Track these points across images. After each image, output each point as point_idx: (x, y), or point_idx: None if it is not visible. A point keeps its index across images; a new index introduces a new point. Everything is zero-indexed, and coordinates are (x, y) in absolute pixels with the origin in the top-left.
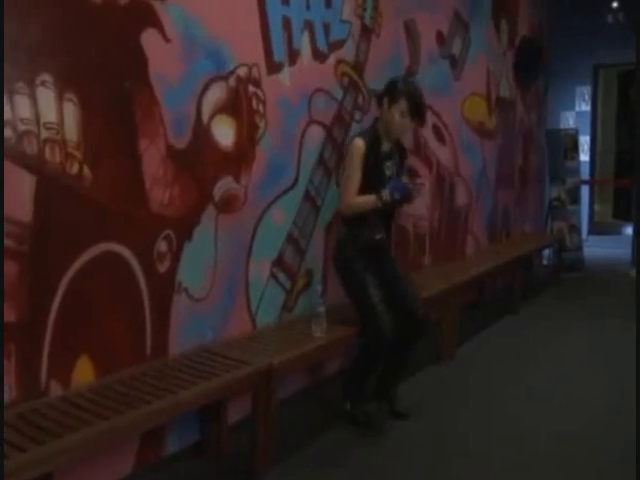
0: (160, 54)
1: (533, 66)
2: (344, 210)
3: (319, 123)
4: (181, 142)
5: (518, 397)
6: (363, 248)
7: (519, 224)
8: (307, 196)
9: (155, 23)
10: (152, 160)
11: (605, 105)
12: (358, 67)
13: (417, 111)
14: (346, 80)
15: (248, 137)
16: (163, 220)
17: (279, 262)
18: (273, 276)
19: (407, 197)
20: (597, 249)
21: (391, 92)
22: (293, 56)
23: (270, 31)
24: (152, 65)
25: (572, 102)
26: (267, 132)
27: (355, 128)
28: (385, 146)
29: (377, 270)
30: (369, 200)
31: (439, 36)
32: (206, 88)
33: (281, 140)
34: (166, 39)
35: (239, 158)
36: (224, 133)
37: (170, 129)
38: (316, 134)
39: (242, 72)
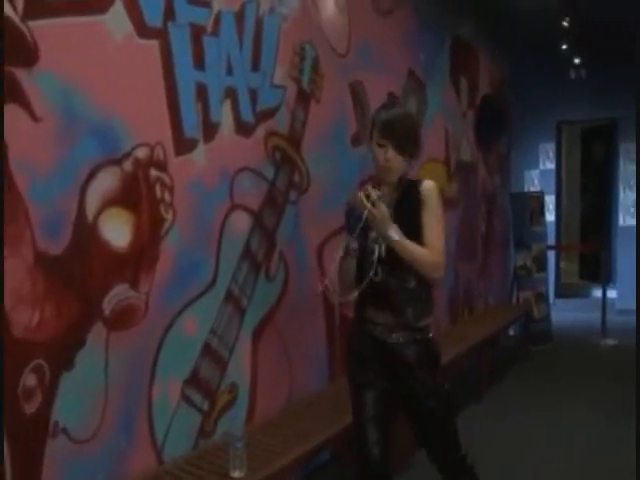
0: (25, 137)
1: (495, 126)
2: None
3: (244, 208)
4: (56, 247)
5: None
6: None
7: (483, 297)
8: (229, 297)
9: (18, 98)
10: (14, 272)
11: (569, 162)
12: (294, 139)
13: (390, 130)
14: (278, 155)
15: (150, 233)
16: (31, 347)
17: (193, 380)
18: (185, 398)
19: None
20: (565, 314)
21: (372, 124)
22: (210, 131)
23: (179, 101)
24: (14, 153)
25: (536, 160)
26: (176, 224)
27: (290, 210)
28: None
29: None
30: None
31: (391, 97)
32: (92, 176)
33: (194, 232)
34: (34, 118)
35: (138, 260)
36: (117, 231)
37: (40, 231)
38: (241, 221)
39: (142, 153)
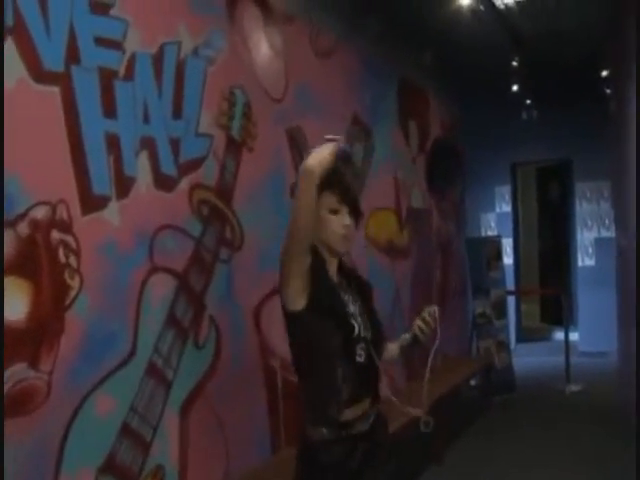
0: None
1: (448, 171)
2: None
3: (167, 270)
4: None
5: None
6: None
7: (441, 350)
8: (151, 369)
9: None
10: None
11: (525, 204)
12: (224, 192)
13: (347, 195)
14: (206, 210)
15: (52, 303)
16: None
17: (109, 466)
18: None
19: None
20: (527, 359)
21: None
22: (124, 186)
23: (86, 154)
24: None
25: (492, 203)
26: (84, 292)
27: (221, 270)
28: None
29: None
30: None
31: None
32: None
33: (107, 300)
34: None
35: (37, 334)
36: (11, 303)
37: None
38: (163, 285)
39: (40, 213)
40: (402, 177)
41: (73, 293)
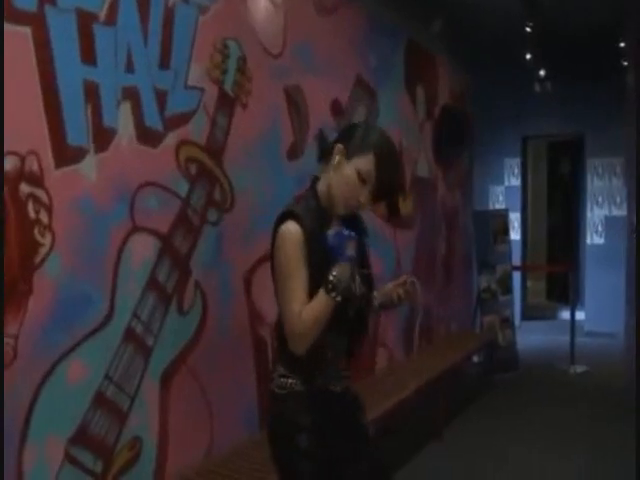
0: None
1: (457, 140)
2: (298, 340)
3: (149, 231)
4: None
5: None
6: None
7: (444, 324)
8: (129, 335)
9: None
10: None
11: (535, 178)
12: (214, 149)
13: (388, 185)
14: (194, 168)
15: (20, 262)
16: None
17: (80, 437)
18: (70, 459)
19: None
20: (532, 337)
21: (353, 139)
22: (103, 138)
23: (61, 102)
24: None
25: (501, 176)
26: (55, 250)
27: (209, 232)
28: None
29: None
30: (322, 302)
31: (335, 106)
32: None
33: (82, 259)
34: None
35: (2, 295)
36: None
37: None
38: (144, 247)
39: (9, 165)
40: (407, 144)
41: (43, 251)
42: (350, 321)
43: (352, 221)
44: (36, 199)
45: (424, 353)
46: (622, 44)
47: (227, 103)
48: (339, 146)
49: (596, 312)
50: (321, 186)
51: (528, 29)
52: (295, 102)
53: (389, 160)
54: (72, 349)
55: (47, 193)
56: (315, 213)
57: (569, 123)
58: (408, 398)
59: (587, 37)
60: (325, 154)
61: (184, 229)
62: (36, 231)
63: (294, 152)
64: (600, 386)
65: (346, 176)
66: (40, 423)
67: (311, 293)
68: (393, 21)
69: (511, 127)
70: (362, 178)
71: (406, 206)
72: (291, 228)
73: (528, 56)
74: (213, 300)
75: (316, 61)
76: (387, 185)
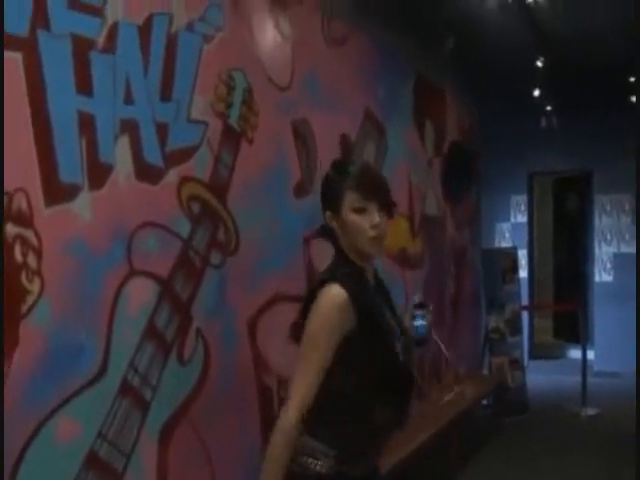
0: None
1: (465, 176)
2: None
3: (147, 274)
4: None
5: None
6: None
7: (452, 365)
8: (125, 389)
9: None
10: None
11: (541, 215)
12: (218, 187)
13: (373, 188)
14: (196, 207)
15: (5, 310)
16: None
17: None
18: None
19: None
20: (540, 377)
21: (325, 196)
22: (99, 174)
23: (53, 135)
24: None
25: (507, 213)
26: (45, 297)
27: (212, 276)
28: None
29: None
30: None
31: (344, 141)
32: None
33: (73, 307)
34: None
35: None
36: None
37: None
38: (142, 292)
39: None
40: (416, 181)
41: (31, 299)
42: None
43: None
44: (24, 241)
45: (434, 400)
46: (631, 79)
47: (232, 138)
48: (326, 214)
49: (605, 351)
50: (344, 246)
51: (539, 63)
52: (303, 137)
53: (362, 172)
54: (62, 405)
55: (36, 234)
56: (356, 276)
57: (576, 158)
58: (419, 448)
59: (595, 72)
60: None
61: (185, 272)
62: (23, 276)
63: (302, 189)
64: (613, 429)
65: (348, 224)
66: None
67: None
68: (402, 54)
69: (517, 163)
70: (358, 209)
71: (415, 245)
72: (334, 297)
73: (537, 92)
74: (215, 348)
75: (324, 94)
76: (378, 185)
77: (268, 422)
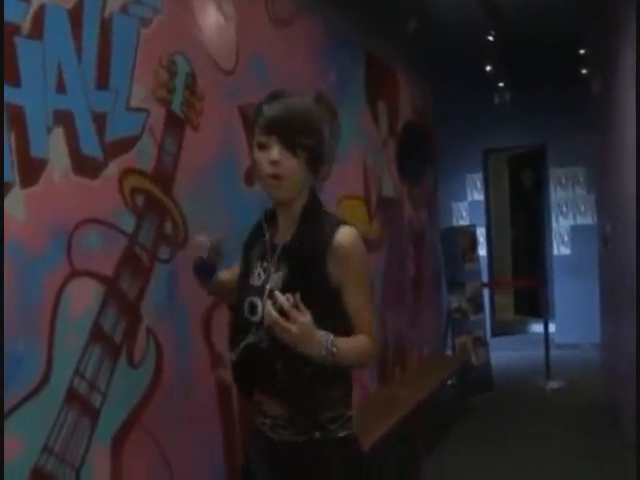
0: None
1: (421, 156)
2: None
3: (90, 274)
4: None
5: None
6: None
7: (416, 348)
8: (71, 397)
9: None
10: None
11: (497, 192)
12: (162, 178)
13: (274, 122)
14: (141, 200)
15: None
16: None
17: None
18: None
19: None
20: (503, 354)
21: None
22: (31, 170)
23: None
24: None
25: (463, 191)
26: None
27: (161, 271)
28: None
29: None
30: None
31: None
32: None
33: (9, 314)
34: None
35: None
36: None
37: None
38: (85, 293)
39: None
40: (371, 162)
41: None
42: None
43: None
44: None
45: (398, 383)
46: (582, 51)
47: (176, 125)
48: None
49: (566, 324)
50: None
51: (490, 38)
52: (251, 121)
53: (271, 106)
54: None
55: None
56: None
57: (530, 134)
58: (386, 434)
59: (545, 47)
60: None
61: (132, 270)
62: None
63: (252, 176)
64: (577, 401)
65: (254, 162)
66: None
67: None
68: (351, 34)
69: (471, 141)
70: (260, 145)
71: (372, 228)
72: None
73: (488, 68)
74: (168, 348)
75: (272, 76)
76: (279, 119)
77: (228, 421)
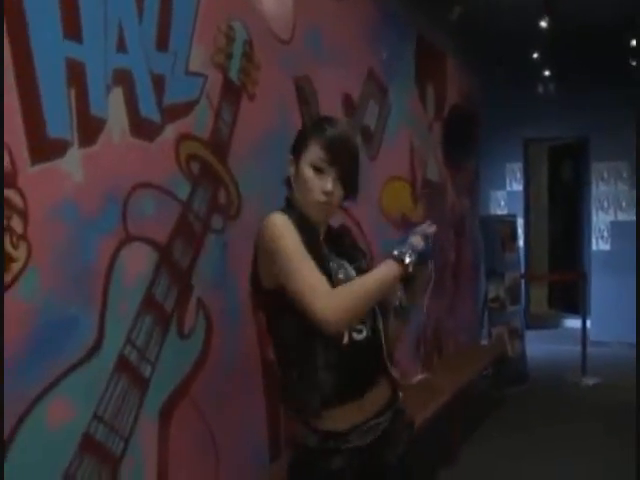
0: None
1: (467, 141)
2: (333, 323)
3: (144, 240)
4: None
5: None
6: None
7: (452, 336)
8: (122, 365)
9: None
10: None
11: (537, 183)
12: (218, 146)
13: (340, 155)
14: (196, 167)
15: None
16: None
17: None
18: None
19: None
20: (537, 346)
21: (295, 143)
22: (90, 129)
23: (38, 84)
24: None
25: (502, 181)
26: (32, 266)
27: (213, 242)
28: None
29: None
30: (378, 277)
31: (347, 100)
32: None
33: (64, 276)
34: None
35: None
36: None
37: None
38: (139, 259)
39: None
40: (418, 144)
41: (16, 267)
42: (357, 348)
43: (339, 237)
44: (7, 202)
45: (437, 370)
46: (633, 43)
47: (233, 93)
48: (289, 158)
49: (602, 321)
50: (295, 196)
51: (544, 24)
52: (305, 95)
53: (337, 136)
54: (53, 385)
55: (21, 195)
56: (302, 223)
57: (572, 126)
58: (428, 421)
59: (595, 36)
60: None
61: (185, 238)
62: (7, 242)
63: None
64: (613, 399)
65: (301, 175)
66: (15, 475)
67: None
68: (403, 14)
69: (512, 130)
70: (317, 168)
71: (416, 211)
72: (278, 217)
73: (535, 55)
74: (218, 320)
75: (327, 50)
76: (345, 156)
77: (272, 397)
